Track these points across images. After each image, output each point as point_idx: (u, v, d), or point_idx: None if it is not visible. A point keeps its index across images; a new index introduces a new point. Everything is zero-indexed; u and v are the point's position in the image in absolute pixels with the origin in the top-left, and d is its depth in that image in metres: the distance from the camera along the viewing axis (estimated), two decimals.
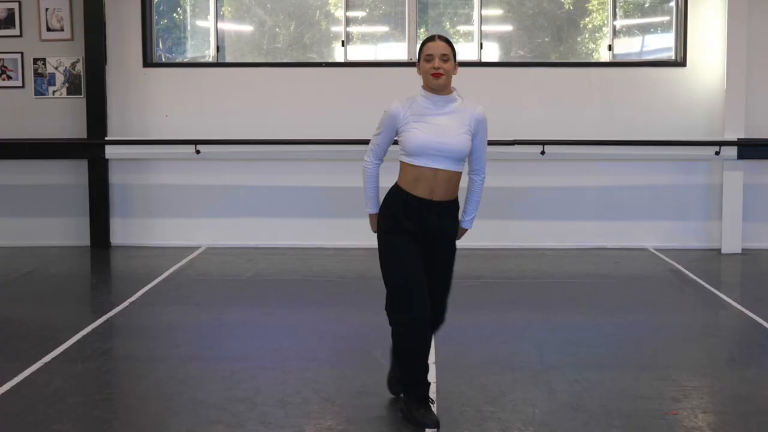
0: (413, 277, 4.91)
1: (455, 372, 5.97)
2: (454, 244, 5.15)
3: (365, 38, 11.39)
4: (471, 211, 5.25)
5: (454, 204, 5.06)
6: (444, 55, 4.91)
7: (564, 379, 5.83)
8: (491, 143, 10.19)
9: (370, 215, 5.23)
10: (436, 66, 4.89)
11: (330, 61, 11.09)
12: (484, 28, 10.93)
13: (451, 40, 5.24)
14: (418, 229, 4.96)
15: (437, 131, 4.89)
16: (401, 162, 5.01)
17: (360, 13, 11.29)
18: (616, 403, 5.39)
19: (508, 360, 6.29)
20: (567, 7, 11.21)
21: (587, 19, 11.22)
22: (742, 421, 5.20)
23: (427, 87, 4.98)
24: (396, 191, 5.01)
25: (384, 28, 11.30)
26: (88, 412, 5.26)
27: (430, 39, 4.99)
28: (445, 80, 4.93)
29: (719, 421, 5.17)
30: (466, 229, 5.29)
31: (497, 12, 11.25)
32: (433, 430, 4.90)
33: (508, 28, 11.29)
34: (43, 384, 5.76)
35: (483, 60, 10.79)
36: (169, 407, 5.38)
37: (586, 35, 11.32)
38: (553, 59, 11.13)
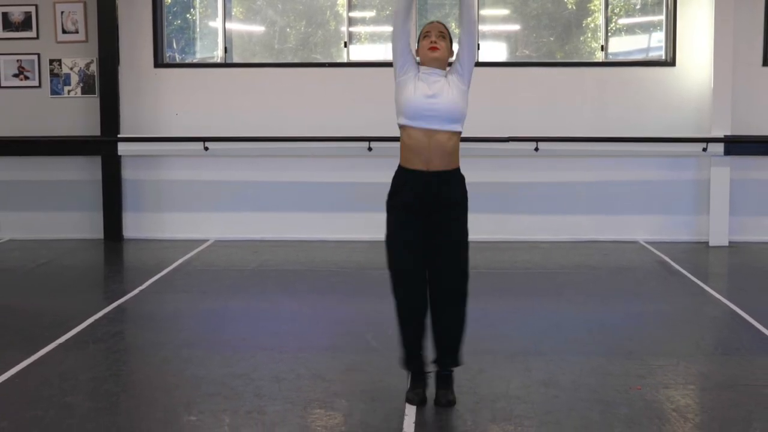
0: (406, 262, 5.27)
1: None
2: (461, 210, 5.32)
3: (373, 38, 11.79)
4: None
5: (454, 174, 5.24)
6: (441, 32, 5.30)
7: (541, 359, 6.26)
8: (486, 140, 10.61)
9: None
10: (433, 40, 5.27)
11: (337, 61, 11.50)
12: (489, 27, 11.37)
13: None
14: (416, 201, 5.20)
15: (429, 93, 5.18)
16: (400, 130, 5.26)
17: (368, 14, 11.69)
18: (585, 379, 5.82)
19: (491, 342, 6.71)
20: (570, 7, 11.60)
21: (589, 19, 11.61)
22: (701, 394, 5.64)
23: (425, 63, 5.32)
24: (398, 172, 5.30)
25: (390, 29, 11.66)
26: (99, 387, 5.73)
27: (428, 23, 5.38)
28: (441, 54, 5.27)
29: (678, 394, 5.58)
30: None
31: (503, 12, 11.64)
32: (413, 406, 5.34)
33: (513, 27, 11.66)
34: (57, 362, 6.23)
35: (479, 60, 11.18)
36: (172, 382, 5.84)
37: (588, 35, 11.70)
38: (558, 58, 11.52)
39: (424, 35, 5.33)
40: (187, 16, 11.92)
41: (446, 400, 5.35)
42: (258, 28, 11.91)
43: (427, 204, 5.23)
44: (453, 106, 5.20)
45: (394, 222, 5.31)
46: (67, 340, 6.75)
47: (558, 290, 8.63)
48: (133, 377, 6.07)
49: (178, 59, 11.72)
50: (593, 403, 5.39)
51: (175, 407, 5.38)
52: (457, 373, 5.73)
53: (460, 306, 5.41)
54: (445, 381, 5.42)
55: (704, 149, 10.73)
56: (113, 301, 8.02)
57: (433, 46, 5.27)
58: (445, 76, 5.31)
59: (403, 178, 5.26)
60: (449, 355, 5.42)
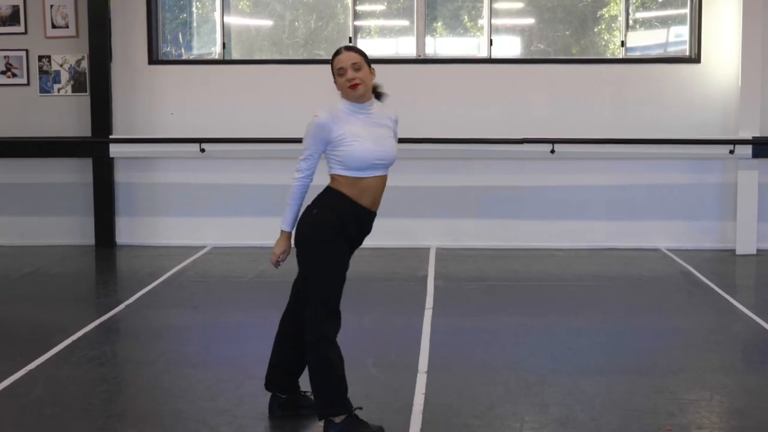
0: (341, 292, 4.98)
1: (446, 380, 5.82)
2: None
3: (383, 32, 11.30)
4: None
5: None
6: (354, 63, 4.86)
7: (557, 390, 5.66)
8: (499, 141, 10.11)
9: (285, 233, 5.12)
10: (350, 77, 4.85)
11: None
12: (502, 21, 10.82)
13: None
14: (356, 237, 5.01)
15: (376, 143, 4.86)
16: (341, 175, 4.90)
17: (378, 7, 11.20)
18: (607, 417, 5.21)
19: (503, 368, 6.12)
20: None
21: (604, 10, 11.02)
22: None
23: (347, 98, 4.95)
24: (342, 200, 4.88)
25: (403, 23, 11.14)
26: (63, 425, 5.14)
27: (337, 53, 4.96)
28: (363, 89, 4.89)
29: None
30: None
31: (517, 5, 11.10)
32: None
33: (527, 21, 11.12)
34: (24, 393, 5.66)
35: (492, 56, 10.61)
36: (148, 419, 5.27)
37: (603, 26, 11.12)
38: (574, 53, 10.96)
39: (338, 72, 4.92)
40: (193, 10, 11.37)
41: None
42: (265, 23, 11.34)
43: (357, 240, 5.07)
44: (393, 154, 4.99)
45: (337, 252, 4.95)
46: (39, 365, 6.18)
47: (574, 305, 8.04)
48: (105, 413, 5.44)
49: (184, 54, 11.20)
50: None
51: None
52: (467, 409, 5.16)
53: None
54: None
55: (731, 151, 10.14)
56: (97, 318, 7.46)
57: (354, 84, 4.86)
58: (388, 120, 5.06)
59: (354, 213, 4.91)
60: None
